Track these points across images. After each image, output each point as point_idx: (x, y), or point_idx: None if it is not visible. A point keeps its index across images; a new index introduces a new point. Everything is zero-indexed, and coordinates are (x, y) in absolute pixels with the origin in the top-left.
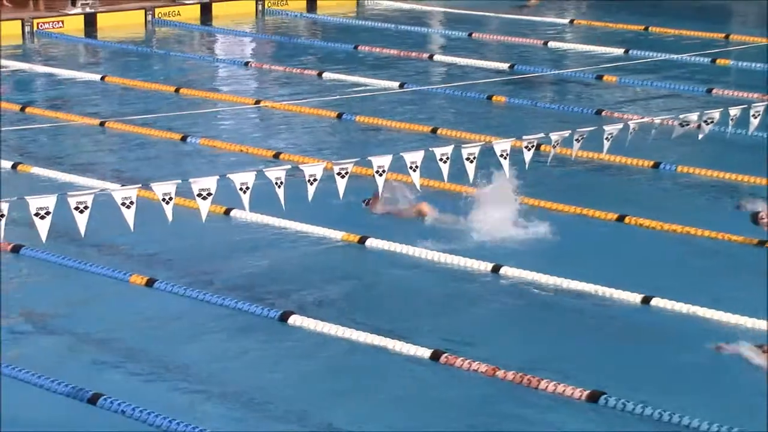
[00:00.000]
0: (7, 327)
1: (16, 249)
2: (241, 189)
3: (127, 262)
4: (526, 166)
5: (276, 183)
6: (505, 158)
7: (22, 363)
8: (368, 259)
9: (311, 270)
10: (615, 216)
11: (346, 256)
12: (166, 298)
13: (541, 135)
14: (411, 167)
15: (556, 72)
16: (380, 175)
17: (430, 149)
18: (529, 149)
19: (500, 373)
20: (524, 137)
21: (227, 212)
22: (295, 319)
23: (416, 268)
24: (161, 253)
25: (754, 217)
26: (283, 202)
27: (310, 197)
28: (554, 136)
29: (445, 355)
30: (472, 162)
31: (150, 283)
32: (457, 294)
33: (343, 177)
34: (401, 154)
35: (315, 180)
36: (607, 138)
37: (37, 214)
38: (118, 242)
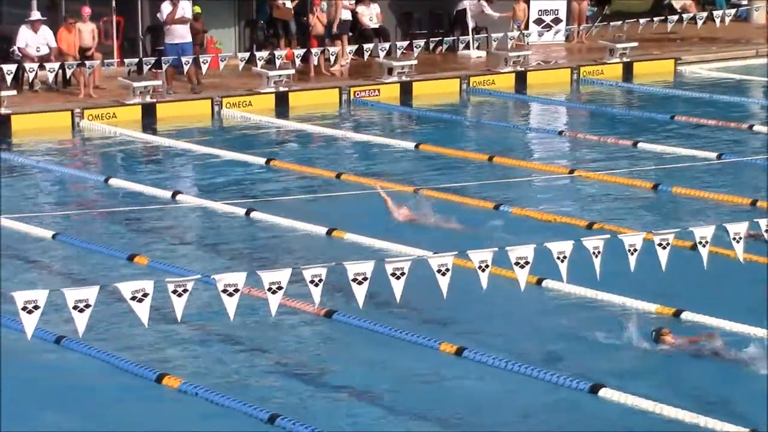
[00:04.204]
0: (313, 390)
1: (329, 314)
2: (558, 258)
3: (438, 329)
4: None
5: (594, 252)
6: None
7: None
8: (681, 331)
9: (622, 342)
10: None
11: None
12: (474, 367)
13: None
14: (734, 238)
15: None
16: (703, 246)
17: (755, 221)
18: None
19: None
20: None
21: (539, 282)
22: (605, 392)
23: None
24: (473, 321)
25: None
26: (598, 272)
27: (632, 267)
28: None
29: None
30: None
31: (459, 351)
32: None
33: (664, 248)
34: (724, 225)
35: (635, 250)
36: None
37: (354, 280)
38: (430, 309)
